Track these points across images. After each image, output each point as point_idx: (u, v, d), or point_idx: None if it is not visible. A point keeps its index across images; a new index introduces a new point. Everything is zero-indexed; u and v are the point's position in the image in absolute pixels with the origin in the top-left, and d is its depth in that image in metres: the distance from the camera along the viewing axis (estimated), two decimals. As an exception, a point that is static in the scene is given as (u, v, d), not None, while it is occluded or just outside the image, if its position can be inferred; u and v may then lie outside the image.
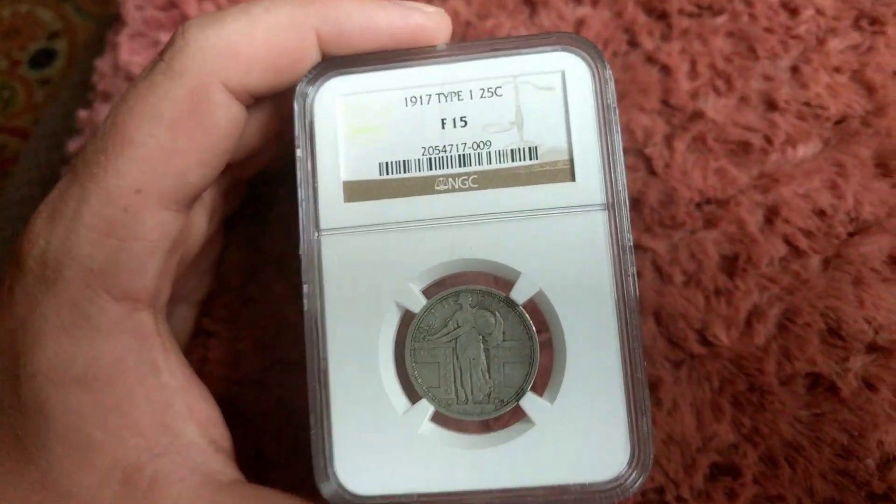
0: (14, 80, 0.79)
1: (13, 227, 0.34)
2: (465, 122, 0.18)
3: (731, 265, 0.24)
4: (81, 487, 0.17)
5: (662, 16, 0.27)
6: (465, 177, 0.18)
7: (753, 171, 0.25)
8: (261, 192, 0.26)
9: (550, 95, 0.18)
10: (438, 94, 0.18)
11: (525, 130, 0.18)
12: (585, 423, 0.17)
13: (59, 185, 0.18)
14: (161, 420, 0.18)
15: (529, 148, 0.18)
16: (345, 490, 0.17)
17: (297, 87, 0.19)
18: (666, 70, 0.26)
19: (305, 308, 0.18)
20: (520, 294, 0.18)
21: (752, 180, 0.25)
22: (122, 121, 0.17)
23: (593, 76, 0.18)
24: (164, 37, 0.29)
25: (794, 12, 0.27)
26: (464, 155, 0.18)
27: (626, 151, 0.26)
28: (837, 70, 0.26)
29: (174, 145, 0.17)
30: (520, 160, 0.18)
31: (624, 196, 0.17)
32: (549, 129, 0.18)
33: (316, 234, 0.18)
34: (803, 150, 0.25)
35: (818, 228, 0.24)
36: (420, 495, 0.17)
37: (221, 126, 0.18)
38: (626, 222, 0.17)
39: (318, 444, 0.17)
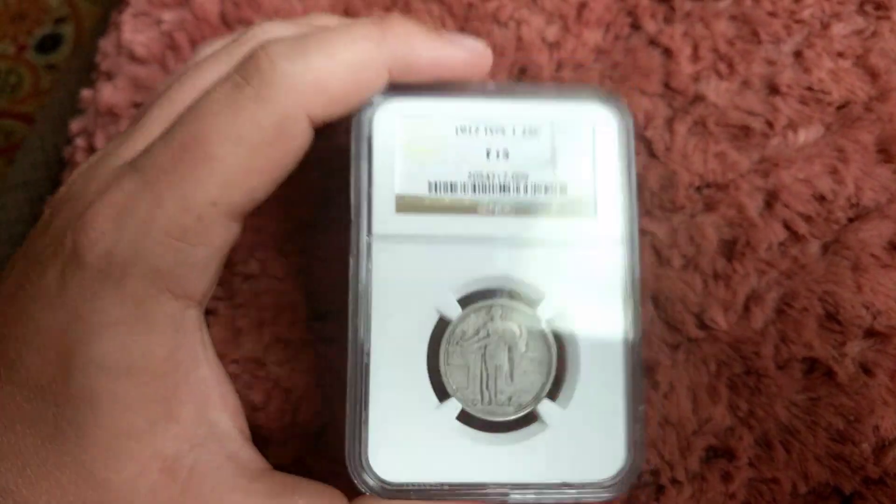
0: (21, 65, 0.79)
1: (19, 210, 0.35)
2: (507, 155, 0.20)
3: (730, 249, 0.24)
4: (120, 477, 0.18)
5: (665, -1, 0.27)
6: (504, 203, 0.20)
7: (754, 155, 0.25)
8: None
9: (581, 141, 0.21)
10: (486, 127, 0.21)
11: (558, 169, 0.20)
12: (591, 429, 0.19)
13: (123, 186, 0.18)
14: (199, 411, 0.19)
15: (560, 185, 0.20)
16: (377, 477, 0.19)
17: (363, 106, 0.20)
18: (668, 53, 0.26)
19: (352, 305, 0.19)
20: (544, 311, 0.20)
21: (752, 164, 0.25)
22: (204, 136, 0.18)
23: (619, 127, 0.20)
24: (167, 16, 0.29)
25: (798, -4, 0.26)
26: (504, 184, 0.20)
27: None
28: (841, 55, 0.26)
29: (253, 166, 0.19)
30: (551, 194, 0.20)
31: (636, 235, 0.20)
32: (579, 171, 0.20)
33: (368, 240, 0.20)
34: (805, 135, 0.25)
35: (818, 213, 0.24)
36: (445, 485, 0.19)
37: (298, 151, 0.19)
38: (637, 256, 0.20)
39: (353, 433, 0.19)
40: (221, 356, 0.24)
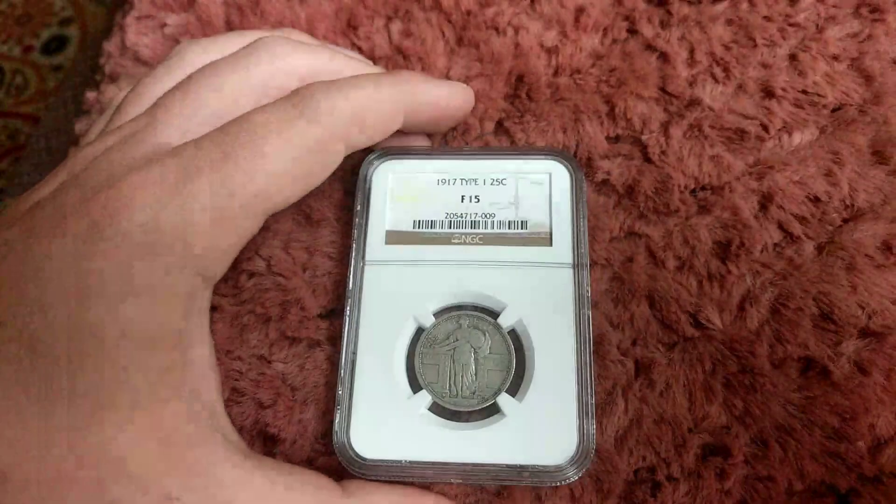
0: (26, 65, 0.80)
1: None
2: (478, 200, 0.26)
3: (724, 250, 0.24)
4: (121, 445, 0.18)
5: (662, 3, 0.27)
6: (474, 236, 0.25)
7: (749, 158, 0.25)
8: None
9: (540, 188, 0.25)
10: (461, 179, 0.26)
11: (520, 209, 0.25)
12: (544, 419, 0.23)
13: (168, 166, 0.20)
14: (197, 388, 0.20)
15: (521, 221, 0.25)
16: (356, 454, 0.22)
17: (363, 163, 0.26)
18: (664, 57, 0.26)
19: (346, 317, 0.24)
20: (505, 320, 0.24)
21: (747, 167, 0.25)
22: (259, 137, 0.20)
23: (570, 178, 0.25)
24: (171, 19, 0.29)
25: (793, 0, 0.27)
26: (475, 221, 0.25)
27: (622, 139, 0.26)
28: (836, 58, 0.26)
29: (295, 172, 0.21)
30: (514, 229, 0.25)
31: (586, 260, 0.24)
32: (537, 210, 0.25)
33: (362, 264, 0.25)
34: (799, 138, 0.25)
35: (812, 215, 0.24)
36: (415, 463, 0.22)
37: (330, 168, 0.22)
38: (587, 278, 0.24)
39: (341, 417, 0.23)
40: (226, 352, 0.25)
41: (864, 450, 0.22)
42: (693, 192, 0.25)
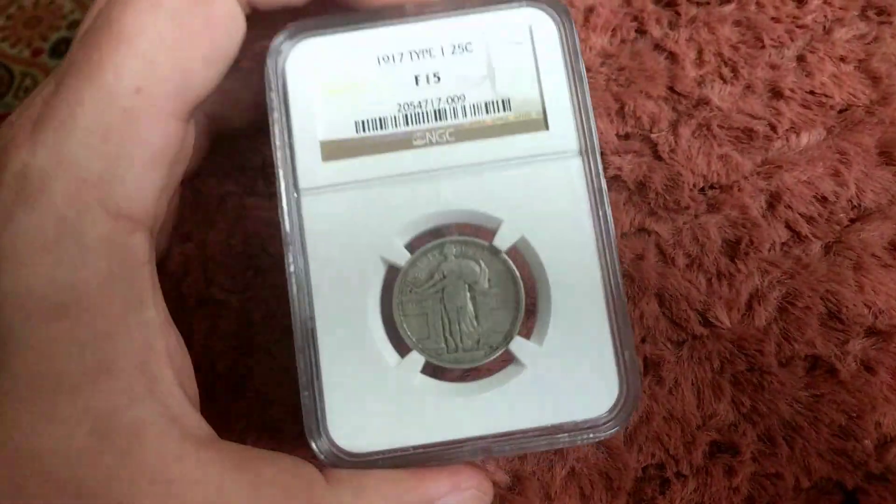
0: (35, 68, 0.80)
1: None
2: (439, 78, 0.19)
3: (733, 249, 0.24)
4: (43, 441, 0.15)
5: (671, 4, 0.27)
6: (442, 131, 0.18)
7: (757, 157, 0.25)
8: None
9: (520, 49, 0.19)
10: (410, 52, 0.19)
11: (497, 84, 0.19)
12: (574, 362, 0.18)
13: (40, 94, 0.16)
14: (139, 361, 0.16)
15: (503, 100, 0.19)
16: (339, 449, 0.17)
17: (269, 49, 0.19)
18: (673, 57, 0.26)
19: (289, 270, 0.18)
20: (502, 241, 0.18)
21: (755, 166, 0.25)
22: (118, 14, 0.16)
23: (559, 28, 0.19)
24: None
25: (801, 2, 0.27)
26: (439, 110, 0.19)
27: (632, 137, 0.26)
28: (843, 59, 0.26)
29: (177, 37, 0.16)
30: (494, 112, 0.19)
31: (596, 142, 0.18)
32: (521, 82, 0.19)
33: (295, 195, 0.18)
34: (807, 138, 0.25)
35: (820, 214, 0.25)
36: (416, 447, 0.17)
37: (223, 21, 0.17)
38: (600, 167, 0.18)
39: (309, 406, 0.17)
40: (232, 347, 0.25)
41: (870, 448, 0.22)
42: (702, 190, 0.25)
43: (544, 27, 0.19)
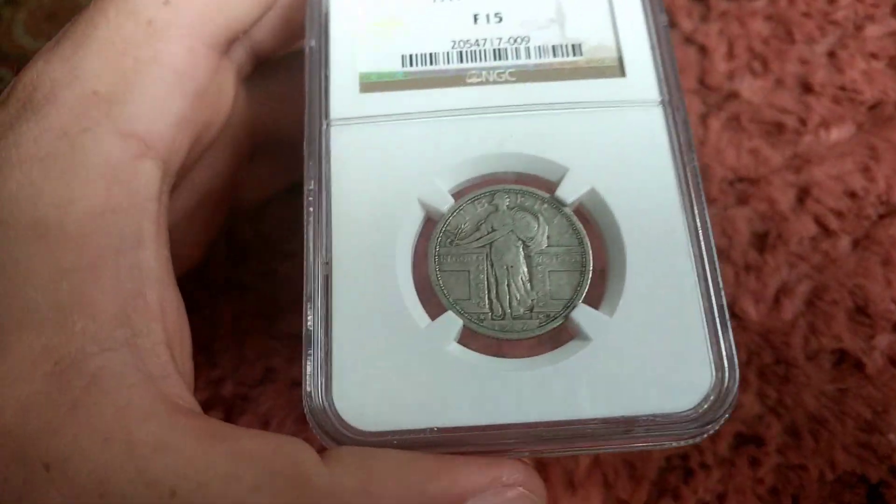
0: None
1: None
2: (500, 18, 0.17)
3: (761, 242, 0.24)
4: None
5: (702, -2, 0.27)
6: (502, 70, 0.16)
7: (787, 151, 0.25)
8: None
9: None
10: None
11: (567, 27, 0.17)
12: (654, 338, 0.14)
13: (72, 19, 0.15)
14: (123, 307, 0.13)
15: (573, 45, 0.17)
16: (345, 424, 0.14)
17: None
18: (703, 51, 0.27)
19: (306, 206, 0.15)
20: (567, 193, 0.15)
21: (785, 160, 0.25)
22: None
23: None
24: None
25: (832, -2, 0.27)
26: (499, 49, 0.17)
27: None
28: (874, 56, 0.26)
29: None
30: (563, 56, 0.16)
31: (680, 92, 0.16)
32: (595, 27, 0.17)
33: (325, 125, 0.16)
34: (837, 133, 0.25)
35: (849, 209, 0.25)
36: (444, 430, 0.14)
37: None
38: (686, 118, 0.16)
39: (314, 367, 0.14)
40: (259, 331, 0.25)
41: (895, 442, 0.23)
42: (731, 183, 0.25)
43: None
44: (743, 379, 0.23)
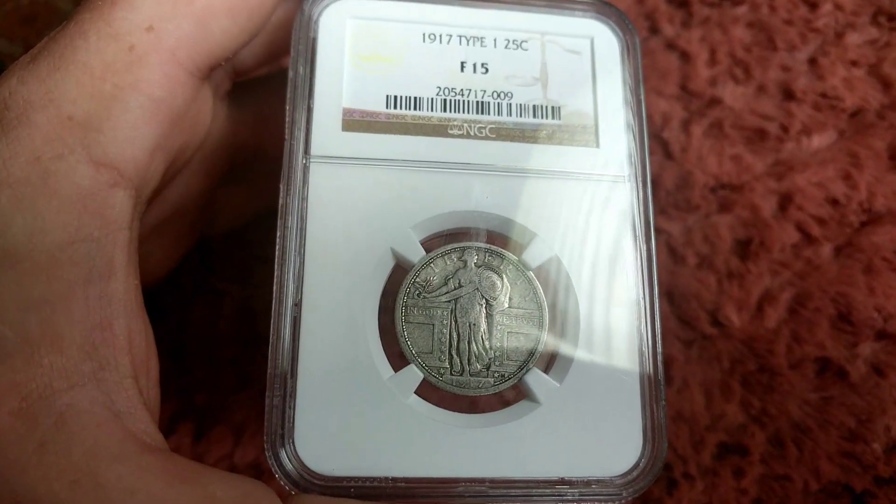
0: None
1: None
2: (487, 70, 0.17)
3: (744, 249, 0.24)
4: None
5: (683, 4, 0.27)
6: (482, 125, 0.16)
7: (769, 158, 0.25)
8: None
9: (578, 59, 0.17)
10: (461, 37, 0.17)
11: (549, 89, 0.17)
12: (596, 408, 0.15)
13: (50, 34, 0.15)
14: (90, 338, 0.13)
15: (552, 107, 0.17)
16: (305, 468, 0.14)
17: (304, 1, 0.17)
18: (685, 57, 0.26)
19: (280, 244, 0.15)
20: (533, 258, 0.16)
21: (766, 167, 0.25)
22: None
23: (622, 48, 0.17)
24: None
25: (813, 6, 0.27)
26: (482, 102, 0.17)
27: (644, 134, 0.26)
28: (854, 64, 0.26)
29: None
30: (542, 118, 0.17)
31: (648, 170, 0.17)
32: (575, 93, 0.17)
33: (304, 161, 0.16)
34: (818, 140, 0.25)
35: (831, 217, 0.24)
36: (399, 480, 0.14)
37: None
38: (650, 198, 0.16)
39: (276, 408, 0.14)
40: (234, 338, 0.25)
41: (879, 451, 0.22)
42: (713, 189, 0.25)
43: (607, 43, 0.17)
44: (727, 388, 0.23)
